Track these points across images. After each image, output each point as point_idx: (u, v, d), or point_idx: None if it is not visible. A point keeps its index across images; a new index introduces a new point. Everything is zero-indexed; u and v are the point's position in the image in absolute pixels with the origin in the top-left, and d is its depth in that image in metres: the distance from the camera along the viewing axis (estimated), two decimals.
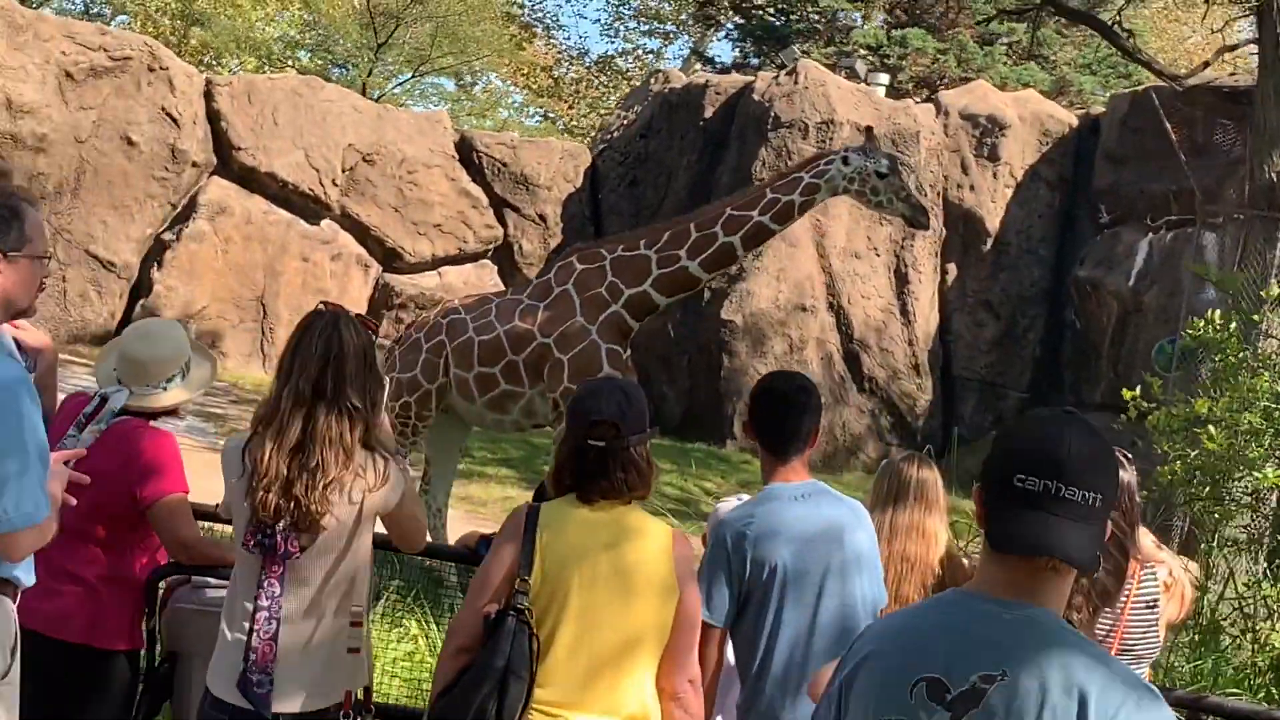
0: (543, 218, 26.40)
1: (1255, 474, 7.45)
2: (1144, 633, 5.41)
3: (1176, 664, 7.31)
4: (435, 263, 25.93)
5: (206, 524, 5.91)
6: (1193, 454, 7.91)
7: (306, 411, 4.41)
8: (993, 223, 24.92)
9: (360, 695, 4.59)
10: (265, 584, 4.42)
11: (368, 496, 4.49)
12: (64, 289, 22.91)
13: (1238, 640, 7.39)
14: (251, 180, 24.38)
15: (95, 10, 41.87)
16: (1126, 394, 8.28)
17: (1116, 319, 23.25)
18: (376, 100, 31.73)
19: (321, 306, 4.64)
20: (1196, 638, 7.83)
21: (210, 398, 20.50)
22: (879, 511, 6.05)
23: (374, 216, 25.41)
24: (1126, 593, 5.34)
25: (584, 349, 9.93)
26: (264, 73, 31.71)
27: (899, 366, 24.46)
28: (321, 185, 24.81)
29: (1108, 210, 23.85)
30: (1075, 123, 25.57)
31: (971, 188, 25.00)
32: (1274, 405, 7.78)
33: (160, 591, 5.29)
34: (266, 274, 24.35)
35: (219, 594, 4.88)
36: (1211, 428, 7.80)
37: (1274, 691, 7.15)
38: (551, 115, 50.54)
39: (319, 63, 40.69)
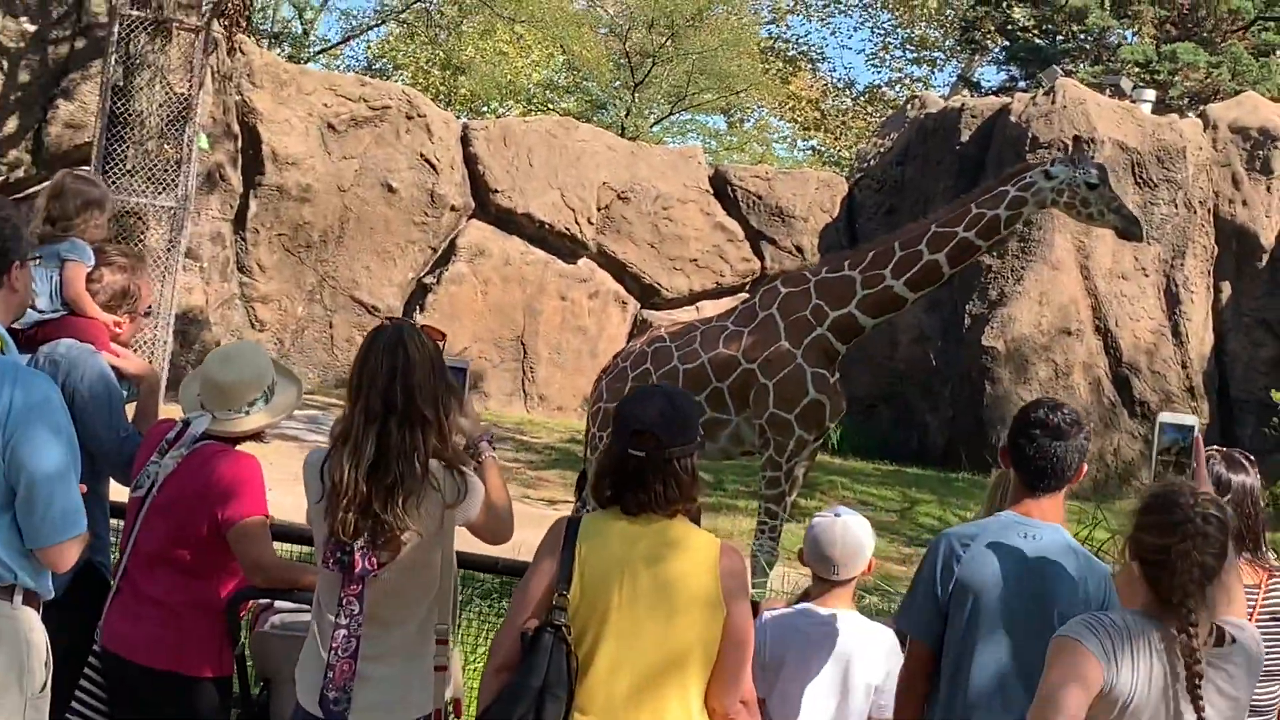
0: (799, 249, 26.25)
1: None
2: (1272, 646, 5.02)
3: None
4: (692, 297, 26.01)
5: (291, 546, 5.91)
6: None
7: (380, 427, 4.36)
8: (1268, 238, 23.86)
9: (450, 708, 4.56)
10: (344, 602, 4.37)
11: (447, 512, 4.43)
12: (331, 335, 23.69)
13: None
14: (509, 222, 24.86)
15: (378, 66, 43.41)
16: (1276, 395, 7.79)
17: None
18: (634, 139, 31.99)
19: (385, 321, 4.60)
20: None
21: None
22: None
23: (630, 253, 25.63)
24: (1253, 604, 4.98)
25: (789, 373, 9.75)
26: (529, 117, 32.30)
27: (1172, 390, 23.53)
28: (577, 224, 25.14)
29: None
30: None
31: (1244, 203, 24.00)
32: None
33: (247, 617, 5.31)
34: (525, 314, 24.74)
35: (304, 618, 4.84)
36: None
37: None
38: (820, 148, 50.40)
39: (581, 105, 41.38)
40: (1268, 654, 4.95)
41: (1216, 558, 4.05)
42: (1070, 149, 10.10)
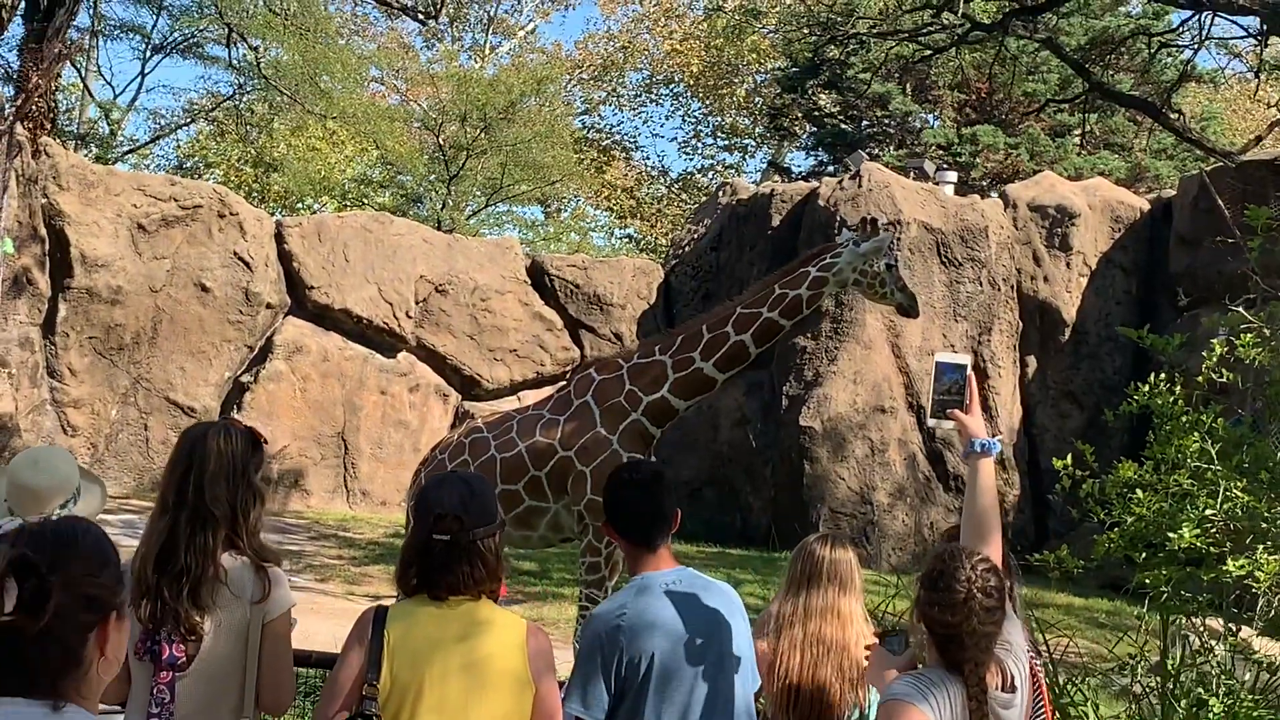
0: (618, 336, 26.49)
1: (1171, 535, 7.24)
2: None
3: None
4: (514, 387, 26.07)
5: None
6: (1129, 521, 7.76)
7: (171, 519, 4.50)
8: (1069, 312, 24.71)
9: None
10: (155, 691, 4.43)
11: (254, 608, 4.49)
12: (146, 437, 23.30)
13: (1194, 711, 7.14)
14: (326, 318, 24.75)
15: (188, 165, 43.03)
16: (1057, 463, 8.18)
17: (1202, 401, 22.73)
18: (451, 232, 32.09)
19: (221, 421, 4.71)
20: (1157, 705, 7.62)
21: (289, 535, 20.63)
22: (793, 595, 5.88)
23: (449, 346, 25.65)
24: (1038, 683, 5.25)
25: (606, 459, 9.85)
26: (344, 212, 32.29)
27: None
28: (396, 318, 25.11)
29: (1185, 293, 23.47)
30: (1146, 207, 25.40)
31: (1045, 279, 24.82)
32: (1204, 465, 7.59)
33: None
34: (346, 409, 24.59)
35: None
36: (1140, 492, 7.66)
37: None
38: (636, 236, 50.98)
39: (396, 199, 41.43)
40: None
41: (997, 624, 4.38)
42: (863, 228, 10.42)
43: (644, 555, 5.07)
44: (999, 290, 24.42)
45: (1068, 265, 24.87)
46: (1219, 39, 29.21)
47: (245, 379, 24.06)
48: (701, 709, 4.89)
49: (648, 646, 4.84)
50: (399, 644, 4.27)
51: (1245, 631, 8.35)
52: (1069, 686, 7.92)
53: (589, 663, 4.86)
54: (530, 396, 25.31)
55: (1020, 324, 24.78)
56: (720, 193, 29.64)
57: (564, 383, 10.76)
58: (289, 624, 4.65)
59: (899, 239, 23.01)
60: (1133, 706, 7.71)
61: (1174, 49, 27.39)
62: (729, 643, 5.02)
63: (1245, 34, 21.58)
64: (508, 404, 25.03)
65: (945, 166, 30.31)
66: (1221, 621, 8.12)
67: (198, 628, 4.42)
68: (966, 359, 4.92)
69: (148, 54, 39.57)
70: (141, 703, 4.47)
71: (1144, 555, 7.76)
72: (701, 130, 52.19)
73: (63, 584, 2.70)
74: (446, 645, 4.27)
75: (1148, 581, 7.61)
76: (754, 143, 51.16)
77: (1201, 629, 8.14)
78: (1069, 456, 8.14)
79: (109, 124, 41.53)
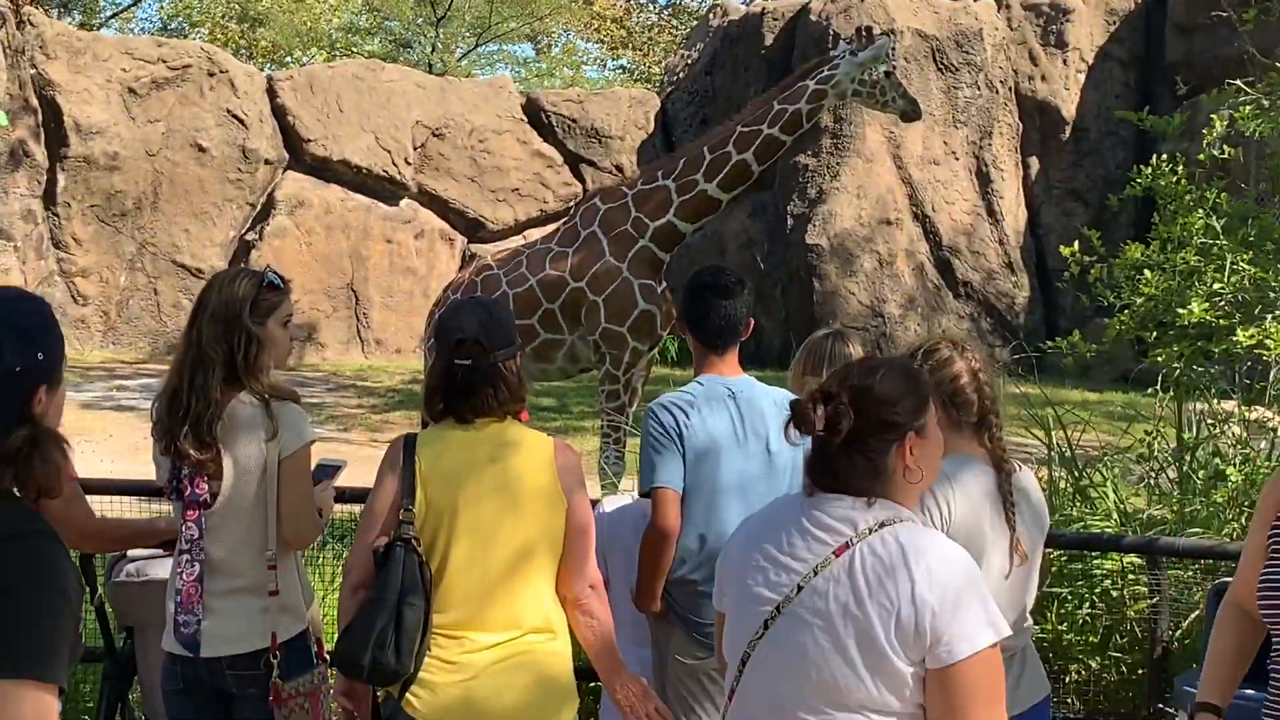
0: (619, 168, 26.33)
1: (1180, 310, 7.33)
2: None
3: (1155, 511, 7.26)
4: (519, 227, 25.97)
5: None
6: (1138, 302, 7.84)
7: (180, 361, 4.64)
8: (1069, 110, 24.57)
9: (314, 646, 4.71)
10: (184, 529, 4.58)
11: (267, 444, 4.60)
12: (157, 301, 23.38)
13: (1211, 482, 7.28)
14: (325, 170, 24.64)
15: (173, 26, 42.56)
16: (1065, 250, 8.23)
17: (1205, 181, 22.67)
18: (443, 75, 31.80)
19: (237, 268, 4.83)
20: (1175, 481, 7.75)
21: (307, 388, 20.78)
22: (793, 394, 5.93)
23: (451, 190, 25.55)
24: None
25: (617, 287, 9.96)
26: (333, 63, 31.97)
27: (993, 267, 24.18)
28: (395, 166, 25.00)
29: (1183, 81, 23.29)
30: None
31: (1043, 78, 24.65)
32: (1210, 241, 7.66)
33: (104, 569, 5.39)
34: (353, 260, 24.60)
35: (157, 565, 4.97)
36: (1148, 273, 7.74)
37: (1236, 526, 7.02)
38: (630, 66, 50.42)
39: (385, 46, 40.97)
40: None
41: (993, 399, 4.47)
42: (859, 38, 10.38)
43: (711, 358, 5.26)
44: (997, 93, 24.29)
45: (1065, 62, 24.67)
46: None
47: (250, 237, 24.03)
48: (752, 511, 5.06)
49: (711, 448, 5.04)
50: (431, 468, 4.34)
51: (1259, 411, 8.47)
52: (1087, 470, 8.03)
53: (661, 441, 5.07)
54: (536, 235, 25.28)
55: (1020, 125, 24.66)
56: (710, 15, 29.29)
57: (570, 214, 10.81)
58: (308, 460, 4.72)
59: (894, 49, 22.82)
60: (1153, 483, 7.84)
61: None
62: (778, 451, 5.16)
63: None
64: (514, 244, 24.99)
65: None
66: (1236, 401, 8.23)
67: (206, 465, 4.53)
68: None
69: None
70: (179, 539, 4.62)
71: (1155, 334, 7.86)
72: None
73: (858, 410, 3.25)
74: (478, 467, 4.35)
75: (1160, 359, 7.70)
76: None
77: (1216, 412, 8.24)
78: (1075, 244, 8.18)
79: None
